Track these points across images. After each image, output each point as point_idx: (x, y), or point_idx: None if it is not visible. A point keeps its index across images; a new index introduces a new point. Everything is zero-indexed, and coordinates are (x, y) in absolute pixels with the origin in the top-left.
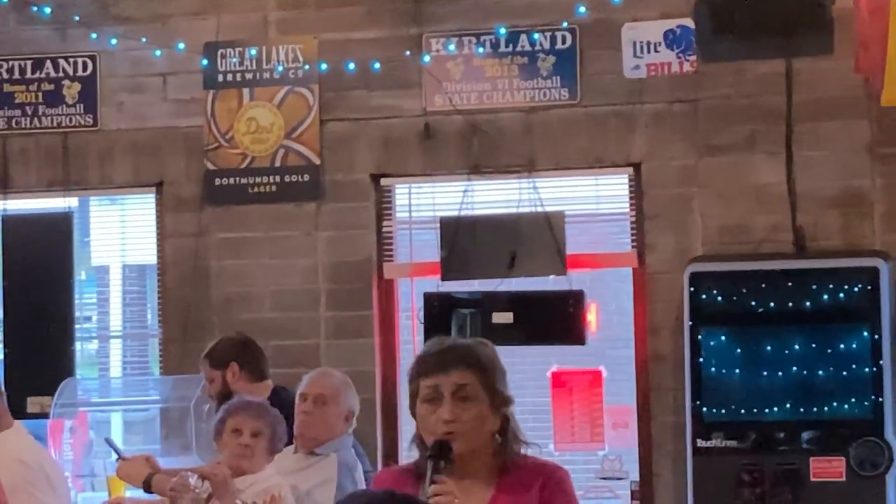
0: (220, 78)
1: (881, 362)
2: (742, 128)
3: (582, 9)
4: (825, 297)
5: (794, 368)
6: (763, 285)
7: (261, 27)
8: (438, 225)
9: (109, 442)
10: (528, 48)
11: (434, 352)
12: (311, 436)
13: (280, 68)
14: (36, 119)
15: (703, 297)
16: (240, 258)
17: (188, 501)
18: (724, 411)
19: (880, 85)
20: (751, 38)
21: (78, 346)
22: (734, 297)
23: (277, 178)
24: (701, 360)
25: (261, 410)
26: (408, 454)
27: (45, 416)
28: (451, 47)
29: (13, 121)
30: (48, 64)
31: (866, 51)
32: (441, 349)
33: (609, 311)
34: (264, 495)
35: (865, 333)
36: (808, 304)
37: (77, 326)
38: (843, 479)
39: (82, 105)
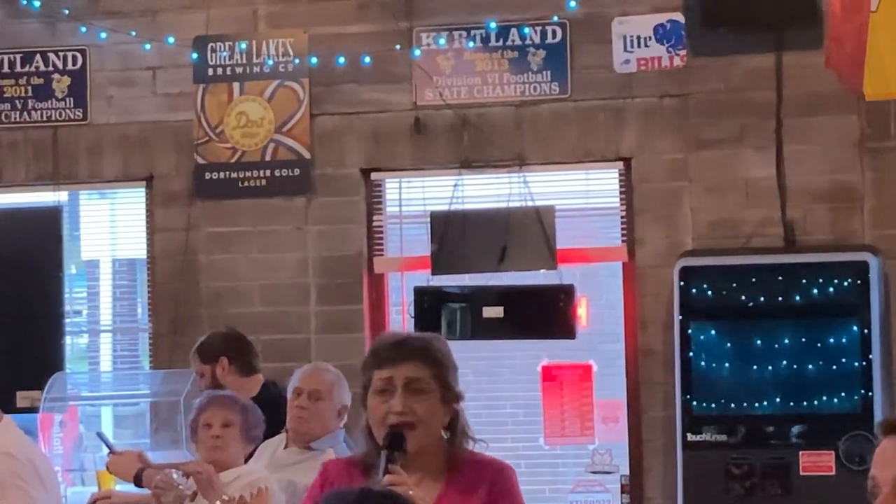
0: (210, 72)
1: (871, 356)
2: (732, 122)
3: (572, 3)
4: (815, 291)
5: (784, 363)
6: (753, 279)
7: (251, 21)
8: (429, 219)
9: (101, 436)
10: (518, 42)
11: (388, 344)
12: (305, 431)
13: (270, 62)
14: (25, 113)
15: (693, 291)
16: (230, 252)
17: (172, 498)
18: (713, 405)
19: (853, 80)
20: (741, 32)
21: (68, 340)
22: (724, 292)
23: (267, 173)
24: (691, 354)
25: (229, 401)
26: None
27: (34, 410)
28: (442, 41)
29: (2, 115)
30: (37, 58)
31: (839, 46)
32: (395, 341)
33: (599, 306)
34: (251, 488)
35: (855, 328)
36: (797, 298)
37: (67, 321)
38: (833, 472)
39: (72, 99)
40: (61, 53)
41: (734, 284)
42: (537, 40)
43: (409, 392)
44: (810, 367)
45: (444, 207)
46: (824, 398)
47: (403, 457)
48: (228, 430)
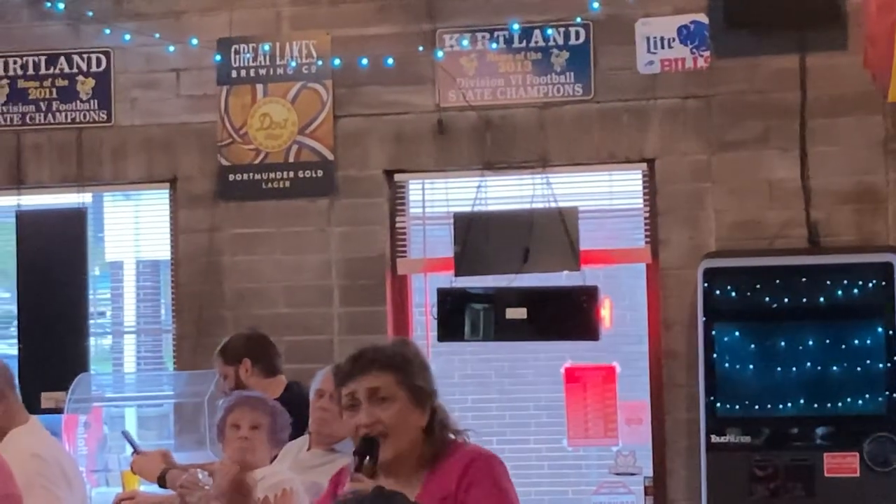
0: (234, 74)
1: (895, 358)
2: (756, 123)
3: (595, 4)
4: (839, 292)
5: (808, 364)
6: (777, 281)
7: (274, 23)
8: (452, 221)
9: (126, 435)
10: (541, 44)
11: (346, 360)
12: (329, 433)
13: (293, 64)
14: (50, 115)
15: (717, 292)
16: (253, 254)
17: (197, 498)
18: (737, 407)
19: (887, 81)
20: (765, 33)
21: (92, 341)
22: (748, 293)
23: (291, 174)
24: (714, 355)
25: (257, 403)
26: None
27: (59, 411)
28: (465, 43)
29: (27, 116)
30: (62, 60)
31: (874, 46)
32: (352, 356)
33: (622, 307)
34: (276, 489)
35: (879, 329)
36: (821, 299)
37: (91, 322)
38: (857, 474)
39: (96, 101)
40: (85, 55)
41: (758, 286)
42: (560, 42)
43: (374, 402)
44: (834, 368)
45: (468, 209)
46: (849, 400)
47: (372, 464)
48: (256, 432)
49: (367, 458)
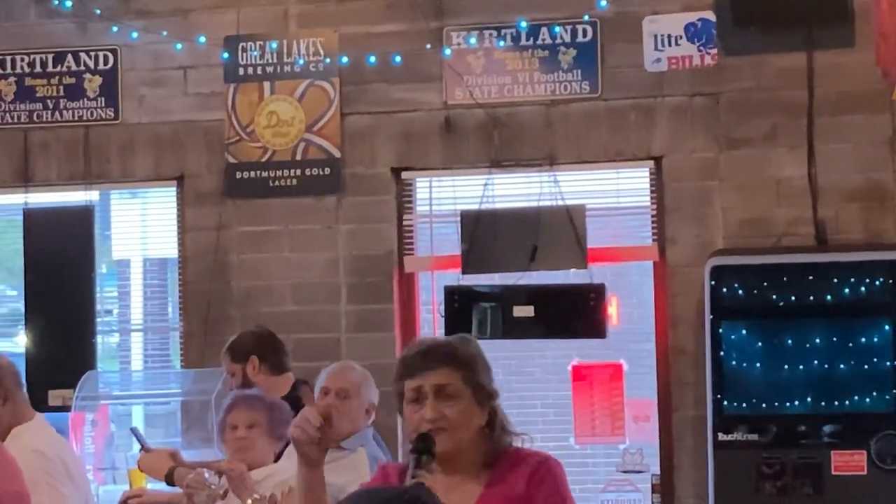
0: (241, 71)
1: None
2: (763, 121)
3: (603, 2)
4: (846, 290)
5: (816, 362)
6: (784, 279)
7: (281, 21)
8: (459, 218)
9: (135, 432)
10: (548, 41)
11: (414, 353)
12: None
13: (301, 62)
14: (57, 112)
15: (724, 290)
16: (260, 252)
17: (205, 497)
18: (745, 405)
19: (894, 77)
20: (772, 30)
21: (99, 339)
22: (755, 291)
23: (298, 172)
24: (722, 353)
25: (253, 401)
26: None
27: (66, 409)
28: (472, 40)
29: (34, 114)
30: (69, 57)
31: (886, 42)
32: (421, 350)
33: (630, 305)
34: (282, 486)
35: (887, 327)
36: (829, 297)
37: (98, 320)
38: (865, 472)
39: (103, 98)
40: (93, 53)
41: (765, 284)
42: (568, 39)
43: (440, 398)
44: (842, 366)
45: (475, 206)
46: (856, 398)
47: (432, 460)
48: (253, 431)
49: (424, 455)
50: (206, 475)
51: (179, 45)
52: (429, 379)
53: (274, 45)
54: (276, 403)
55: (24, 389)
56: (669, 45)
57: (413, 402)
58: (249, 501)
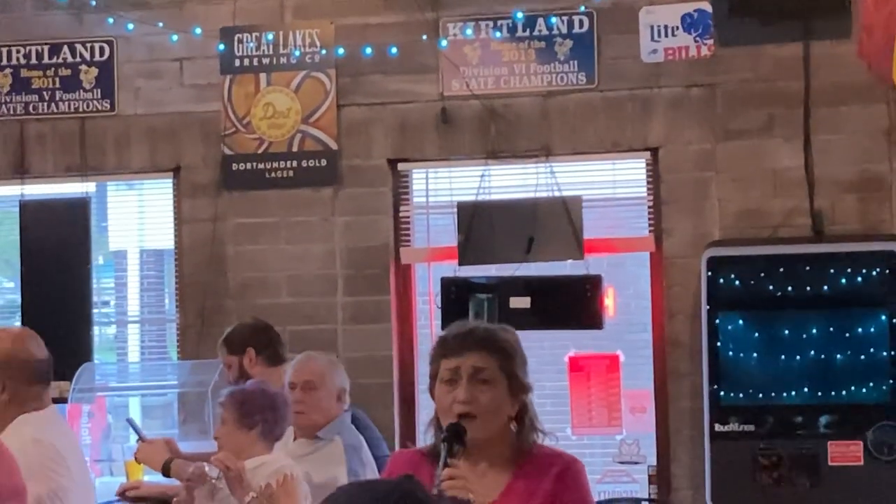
0: (237, 63)
1: None
2: (760, 112)
3: None
4: (843, 281)
5: (812, 353)
6: (781, 270)
7: (277, 12)
8: (456, 210)
9: (131, 423)
10: (545, 32)
11: (455, 334)
12: (307, 424)
13: (297, 53)
14: (53, 104)
15: (721, 281)
16: (257, 243)
17: (205, 491)
18: (741, 395)
19: (883, 70)
20: (769, 21)
21: (96, 330)
22: (752, 282)
23: (294, 164)
24: (718, 344)
25: (225, 399)
26: (424, 438)
27: (63, 400)
28: (469, 32)
29: (30, 106)
30: (65, 49)
31: (869, 36)
32: (463, 332)
33: (626, 296)
34: (276, 476)
35: (883, 318)
36: (825, 288)
37: (95, 311)
38: (861, 463)
39: (99, 90)
40: (89, 45)
41: (762, 274)
42: (564, 30)
43: (475, 382)
44: (838, 357)
45: (471, 198)
46: (852, 388)
47: (463, 449)
48: (224, 427)
49: (456, 444)
50: (207, 468)
51: (175, 37)
52: (467, 360)
53: (270, 37)
54: (248, 395)
55: (44, 381)
56: (666, 35)
57: (447, 382)
58: (247, 499)
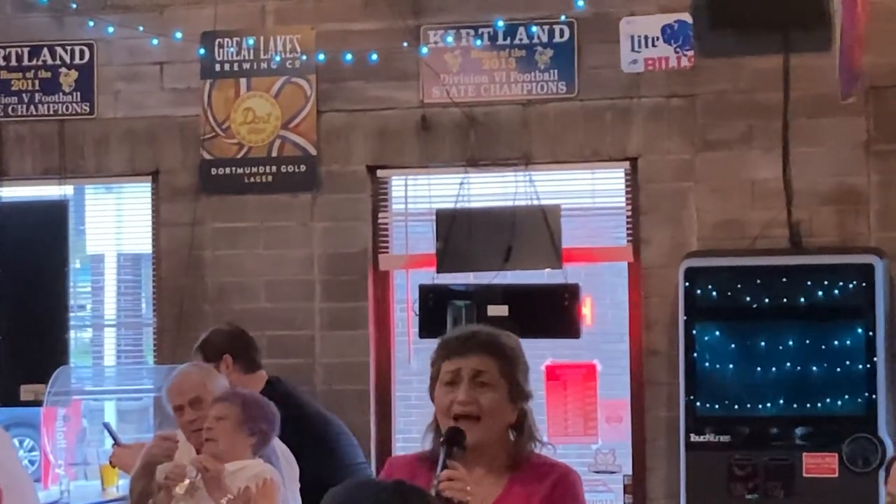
0: (218, 67)
1: (875, 359)
2: (739, 123)
3: (580, 2)
4: (820, 293)
5: (789, 364)
6: (758, 281)
7: (258, 17)
8: (434, 217)
9: (108, 427)
10: (525, 41)
11: (458, 336)
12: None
13: (277, 58)
14: (32, 106)
15: (698, 292)
16: (235, 248)
17: (184, 489)
18: (717, 406)
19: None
20: (749, 33)
21: (72, 334)
22: (729, 293)
23: (274, 169)
24: (695, 354)
25: (228, 395)
26: (402, 445)
27: (38, 403)
28: (449, 39)
29: (9, 108)
30: (45, 52)
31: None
32: (465, 334)
33: (604, 305)
34: (256, 479)
35: (860, 330)
36: (802, 300)
37: (71, 315)
38: (836, 475)
39: (79, 93)
40: (69, 47)
41: (739, 285)
42: (545, 39)
43: (476, 384)
44: (815, 368)
45: (450, 205)
46: (828, 400)
47: (462, 453)
48: (221, 424)
49: (455, 447)
50: (187, 468)
51: (156, 41)
52: (468, 363)
53: (251, 42)
54: (255, 401)
55: None
56: (646, 46)
57: (448, 384)
58: (223, 501)
